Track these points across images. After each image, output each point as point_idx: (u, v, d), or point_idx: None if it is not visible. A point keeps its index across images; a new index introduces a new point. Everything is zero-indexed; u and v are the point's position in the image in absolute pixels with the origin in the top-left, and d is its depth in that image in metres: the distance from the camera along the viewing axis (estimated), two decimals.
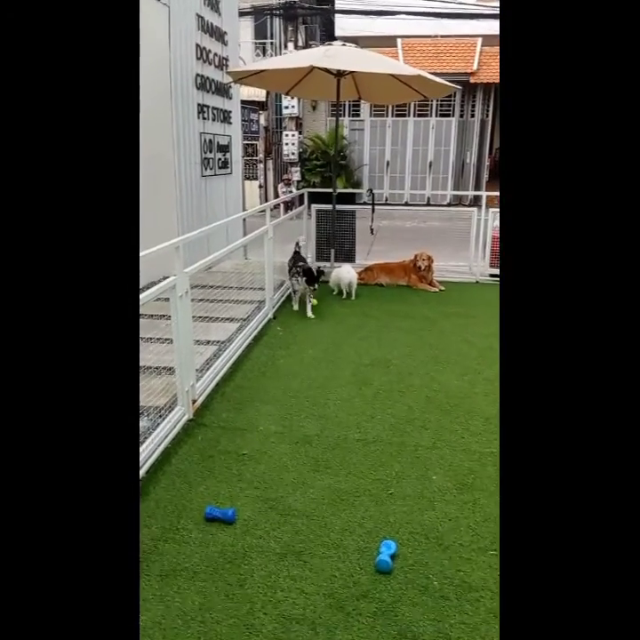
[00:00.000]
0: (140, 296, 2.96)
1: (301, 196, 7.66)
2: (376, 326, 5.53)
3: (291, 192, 14.71)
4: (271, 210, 5.77)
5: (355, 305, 6.26)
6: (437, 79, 6.57)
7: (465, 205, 14.57)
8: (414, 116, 16.39)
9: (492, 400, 3.92)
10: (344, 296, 6.63)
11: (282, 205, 10.79)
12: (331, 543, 2.55)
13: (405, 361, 4.66)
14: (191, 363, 3.61)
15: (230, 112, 9.09)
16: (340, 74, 6.84)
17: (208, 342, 4.65)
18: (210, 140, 8.23)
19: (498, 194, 7.67)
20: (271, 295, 5.73)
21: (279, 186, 15.68)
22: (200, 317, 4.93)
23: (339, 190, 7.39)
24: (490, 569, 2.37)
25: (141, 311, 2.86)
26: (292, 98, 15.61)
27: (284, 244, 6.47)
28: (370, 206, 7.54)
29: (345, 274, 6.64)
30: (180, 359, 3.43)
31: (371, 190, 7.63)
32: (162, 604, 2.22)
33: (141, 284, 6.69)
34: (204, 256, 4.03)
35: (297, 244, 6.44)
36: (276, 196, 15.52)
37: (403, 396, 4.01)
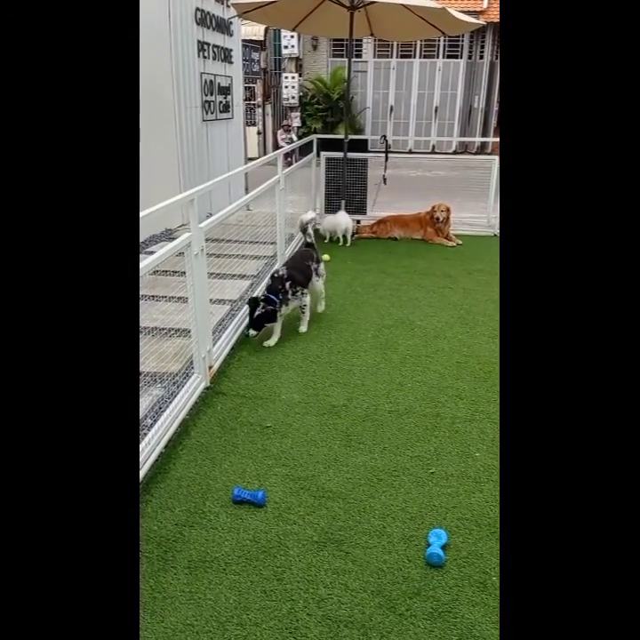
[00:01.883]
0: (154, 256, 2.63)
1: (310, 142, 7.17)
2: (395, 284, 5.22)
3: (291, 139, 14.07)
4: (282, 158, 5.35)
5: (370, 261, 5.93)
6: (462, 15, 6.03)
7: (471, 153, 14.03)
8: (420, 57, 15.56)
9: None
10: (341, 243, 6.57)
11: (278, 158, 10.18)
12: (372, 531, 2.33)
13: (430, 322, 4.38)
14: (208, 326, 3.31)
15: (231, 51, 8.46)
16: (353, 6, 6.28)
17: (219, 301, 4.35)
18: (210, 82, 7.67)
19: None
20: (283, 250, 5.38)
21: (278, 132, 14.98)
22: (209, 274, 4.61)
23: (351, 136, 6.91)
24: None
25: (150, 268, 2.55)
26: (293, 36, 14.75)
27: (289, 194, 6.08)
28: (381, 154, 7.09)
29: (341, 220, 6.52)
30: (197, 322, 3.13)
31: (384, 136, 7.15)
32: (192, 602, 2.00)
33: (143, 238, 6.33)
34: (205, 209, 3.68)
35: (304, 228, 4.52)
36: (276, 143, 14.85)
37: (431, 362, 3.75)
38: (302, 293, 4.11)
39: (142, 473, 2.50)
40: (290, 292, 3.99)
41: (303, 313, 4.21)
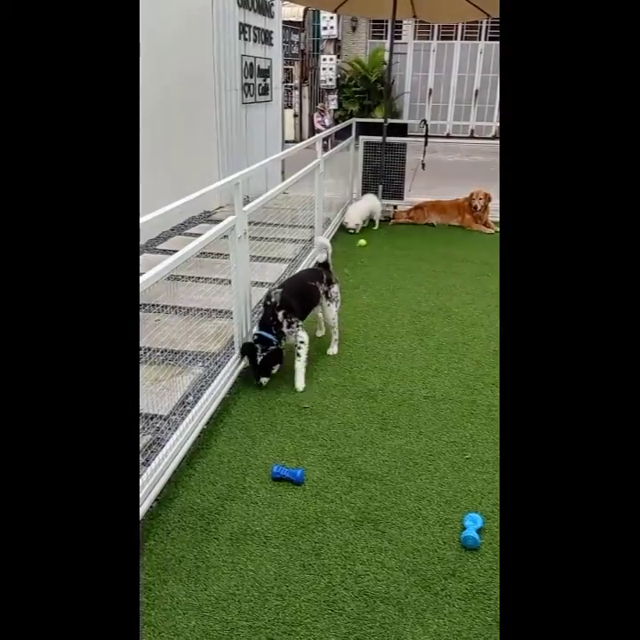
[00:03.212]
0: (200, 238, 2.70)
1: (349, 126, 7.14)
2: (431, 270, 5.20)
3: (324, 122, 13.99)
4: (322, 142, 5.36)
5: (407, 247, 5.91)
6: None
7: None
8: (462, 39, 15.22)
9: None
10: (375, 227, 6.56)
11: (317, 142, 10.12)
12: (408, 512, 2.37)
13: (467, 309, 4.37)
14: (248, 307, 3.37)
15: (271, 32, 8.44)
16: None
17: (258, 284, 4.41)
18: (251, 64, 7.68)
19: None
20: (320, 234, 5.41)
21: (314, 115, 14.91)
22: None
23: (390, 120, 6.86)
24: None
25: (196, 250, 2.61)
26: (332, 18, 14.59)
27: (327, 178, 6.08)
28: (420, 139, 7.03)
29: (369, 204, 6.54)
30: (239, 304, 3.20)
31: (424, 121, 7.08)
32: (235, 572, 2.08)
33: (182, 220, 6.43)
34: (243, 192, 3.68)
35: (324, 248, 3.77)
36: (311, 126, 14.79)
37: (468, 350, 3.75)
38: (297, 326, 3.24)
39: (185, 448, 2.59)
40: (284, 323, 3.19)
41: (298, 356, 3.24)
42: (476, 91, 15.48)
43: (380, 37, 15.11)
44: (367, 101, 14.68)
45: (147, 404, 2.89)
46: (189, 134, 6.52)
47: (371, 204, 6.54)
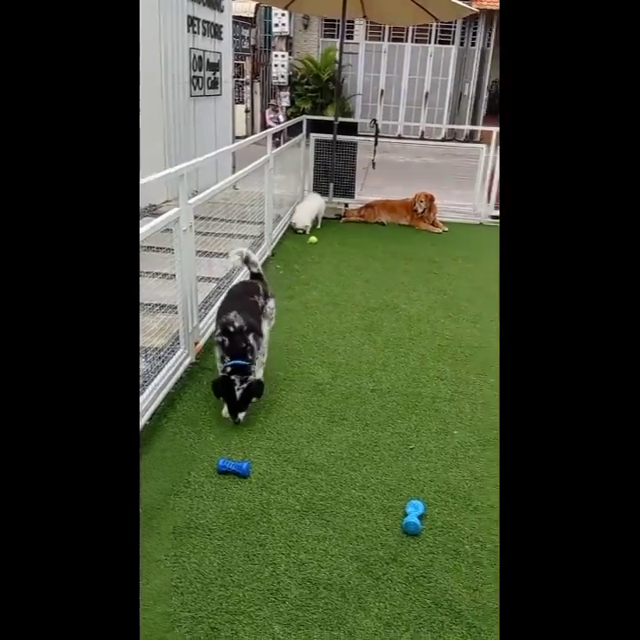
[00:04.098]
0: (142, 229, 2.66)
1: (300, 123, 7.16)
2: (380, 268, 5.28)
3: (278, 119, 13.96)
4: (272, 138, 5.35)
5: (357, 245, 5.98)
6: (456, 0, 6.04)
7: (459, 141, 14.07)
8: (412, 41, 15.47)
9: None
10: (319, 226, 6.51)
11: (268, 137, 10.04)
12: (353, 501, 2.42)
13: (414, 306, 4.46)
14: (194, 302, 3.35)
15: (221, 26, 8.37)
16: None
17: (206, 279, 4.37)
18: (199, 57, 7.59)
19: (492, 129, 7.25)
20: (270, 230, 5.41)
21: (267, 111, 14.85)
22: (196, 252, 4.62)
23: (341, 119, 6.92)
24: None
25: (145, 243, 2.57)
26: (283, 14, 14.56)
27: (277, 174, 6.08)
28: (371, 138, 7.11)
29: (316, 203, 6.51)
30: (184, 298, 3.17)
31: (374, 120, 7.16)
32: (177, 565, 2.07)
33: None
34: (192, 186, 3.64)
35: (246, 259, 3.40)
36: (263, 122, 14.73)
37: (414, 344, 3.83)
38: (263, 346, 3.06)
39: None
40: (255, 346, 2.92)
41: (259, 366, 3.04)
42: (426, 93, 15.77)
43: (332, 36, 15.18)
44: (319, 100, 14.74)
45: None
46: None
47: (317, 203, 6.54)
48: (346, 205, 7.21)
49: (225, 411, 2.88)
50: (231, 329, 2.89)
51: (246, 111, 15.06)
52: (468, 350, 3.77)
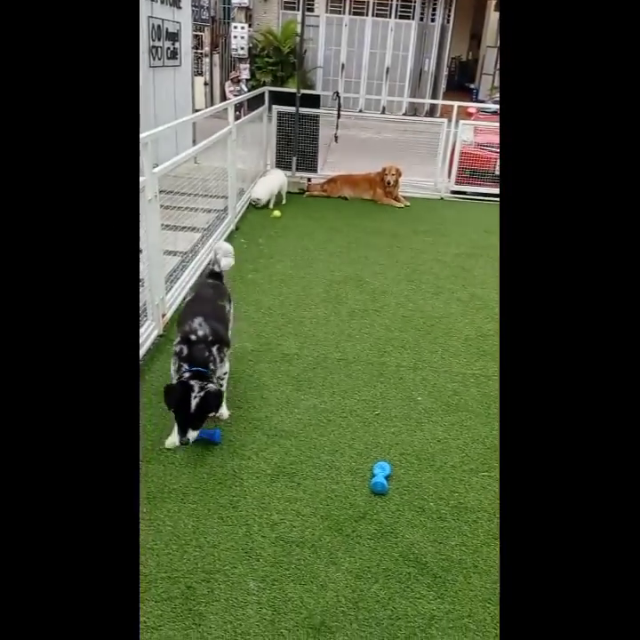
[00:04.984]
0: None
1: (261, 94, 7.06)
2: (345, 242, 5.33)
3: (239, 91, 13.70)
4: (234, 110, 5.28)
5: (321, 219, 6.00)
6: None
7: (420, 116, 14.13)
8: (373, 15, 15.35)
9: (469, 321, 3.90)
10: (283, 201, 6.46)
11: (229, 108, 9.85)
12: (322, 464, 2.49)
13: (378, 279, 4.54)
14: (161, 274, 3.33)
15: None
16: None
17: (171, 253, 4.34)
18: (158, 26, 7.38)
19: (453, 103, 7.34)
20: (234, 204, 5.38)
21: (226, 84, 14.53)
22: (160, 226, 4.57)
23: (303, 91, 6.86)
24: (483, 491, 2.39)
25: None
26: None
27: (239, 149, 6.02)
28: (333, 113, 7.09)
29: (277, 179, 6.42)
30: (150, 270, 3.15)
31: (337, 93, 7.14)
32: (152, 528, 2.11)
33: None
34: (152, 158, 3.56)
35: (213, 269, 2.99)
36: (223, 95, 14.43)
37: (379, 316, 3.92)
38: (226, 356, 2.65)
39: None
40: (218, 359, 2.53)
41: (221, 385, 2.63)
42: (387, 68, 15.72)
43: (293, 8, 14.91)
44: (280, 73, 14.52)
45: None
46: None
47: (278, 179, 6.47)
48: (309, 180, 7.20)
49: (170, 440, 2.50)
50: (193, 338, 2.47)
51: (205, 84, 14.73)
52: (430, 320, 3.88)
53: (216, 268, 2.97)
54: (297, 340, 3.52)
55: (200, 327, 2.51)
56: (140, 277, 3.26)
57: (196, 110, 9.63)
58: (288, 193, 6.58)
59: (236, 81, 14.14)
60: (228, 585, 1.91)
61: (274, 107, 6.97)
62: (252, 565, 1.99)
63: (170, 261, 4.20)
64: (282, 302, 4.00)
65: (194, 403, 2.30)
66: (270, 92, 7.15)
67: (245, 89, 13.16)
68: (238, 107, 10.50)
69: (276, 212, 6.00)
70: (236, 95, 13.07)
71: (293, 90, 6.96)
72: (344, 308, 4.00)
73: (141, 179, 2.94)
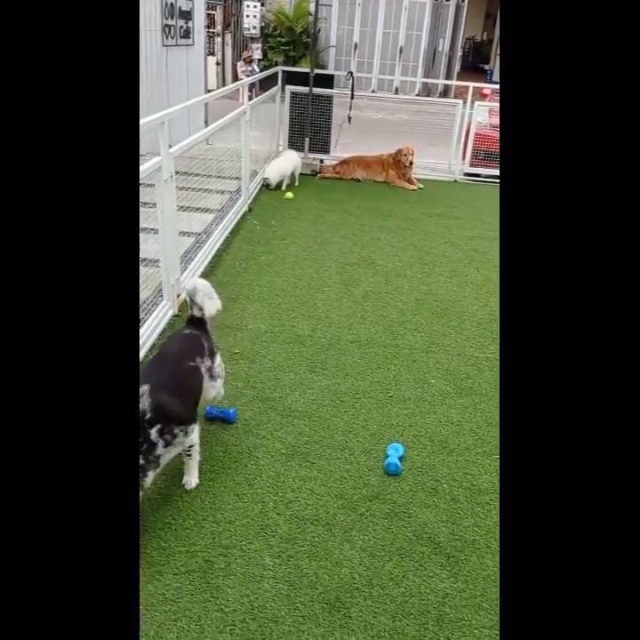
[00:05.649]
0: None
1: (274, 74, 7.00)
2: (357, 224, 5.31)
3: (251, 71, 13.57)
4: (248, 90, 5.25)
5: (333, 201, 5.98)
6: None
7: (433, 96, 13.94)
8: None
9: (482, 305, 3.89)
10: (296, 183, 6.42)
11: (242, 88, 9.75)
12: (336, 445, 2.52)
13: (391, 261, 4.53)
14: (176, 254, 3.34)
15: None
16: None
17: (185, 234, 4.35)
18: (171, 5, 7.30)
19: (468, 84, 7.25)
20: (247, 185, 5.36)
21: (239, 64, 14.39)
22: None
23: (317, 71, 6.79)
24: (496, 473, 2.41)
25: None
26: None
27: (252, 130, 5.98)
28: (346, 93, 7.02)
29: (291, 161, 6.37)
30: (166, 250, 3.17)
31: (351, 73, 7.05)
32: (169, 504, 2.15)
33: None
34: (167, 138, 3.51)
35: (192, 295, 2.37)
36: (235, 75, 14.30)
37: (392, 299, 3.92)
38: (185, 432, 2.06)
39: None
40: (160, 443, 1.94)
41: (189, 455, 2.19)
42: (401, 48, 15.49)
43: None
44: (292, 53, 14.37)
45: None
46: None
47: (292, 160, 6.42)
48: (321, 161, 7.15)
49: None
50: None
51: (217, 64, 14.59)
52: (443, 304, 3.87)
53: (196, 313, 2.35)
54: (310, 321, 3.53)
55: (141, 400, 1.93)
56: (156, 258, 3.28)
57: (209, 91, 9.57)
58: (301, 174, 6.54)
59: (249, 61, 14.00)
60: (244, 560, 1.95)
61: (287, 87, 6.91)
62: (268, 541, 2.02)
63: (184, 242, 4.21)
64: (295, 284, 4.01)
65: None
66: (283, 71, 7.09)
67: (257, 69, 13.03)
68: (250, 87, 10.44)
69: (289, 194, 5.98)
70: (248, 75, 12.96)
71: (307, 69, 6.89)
72: (357, 290, 4.00)
73: (157, 159, 2.94)
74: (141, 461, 1.89)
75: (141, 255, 3.82)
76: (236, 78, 14.27)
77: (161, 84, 7.18)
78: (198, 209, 4.92)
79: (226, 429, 2.55)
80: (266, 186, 6.13)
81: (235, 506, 2.16)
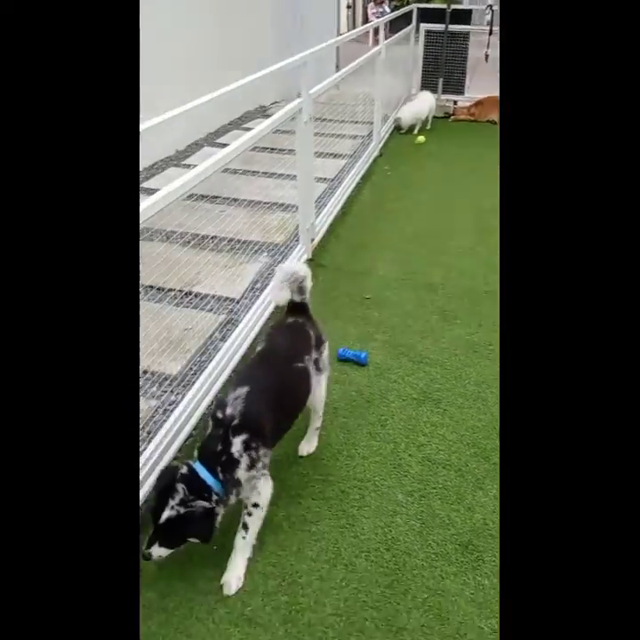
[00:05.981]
0: (264, 123, 2.67)
1: (406, 14, 6.68)
2: (493, 169, 5.01)
3: (381, 13, 13.05)
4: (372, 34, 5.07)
5: (467, 145, 5.70)
6: None
7: None
8: None
9: None
10: (428, 126, 6.22)
11: (371, 32, 9.44)
12: (468, 394, 2.49)
13: None
14: (312, 199, 3.39)
15: None
16: None
17: (318, 179, 4.39)
18: None
19: None
20: (379, 129, 5.26)
21: (369, 6, 13.89)
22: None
23: (453, 6, 6.38)
24: None
25: (259, 143, 2.58)
26: None
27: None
28: (485, 29, 6.54)
29: (427, 103, 6.17)
30: (302, 195, 3.22)
31: (490, 6, 6.54)
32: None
33: (238, 114, 6.31)
34: (296, 85, 3.46)
35: (300, 284, 2.07)
36: (366, 17, 13.86)
37: None
38: (264, 468, 1.75)
39: (257, 328, 2.73)
40: (243, 462, 1.69)
41: (245, 527, 1.77)
42: None
43: None
44: None
45: (220, 287, 3.03)
46: (239, 14, 6.19)
47: (428, 102, 6.18)
48: (455, 103, 6.81)
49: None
50: (219, 416, 1.72)
51: (348, 7, 14.22)
52: None
53: (296, 298, 2.06)
54: (442, 269, 3.46)
55: (233, 404, 1.72)
56: (290, 204, 3.36)
57: (340, 34, 9.39)
58: (433, 117, 6.29)
59: (379, 2, 13.46)
60: (377, 494, 2.02)
61: (421, 25, 6.58)
62: (401, 480, 2.07)
63: (317, 187, 4.25)
64: (426, 231, 3.92)
65: (165, 515, 1.60)
66: (418, 9, 6.74)
67: (388, 10, 12.51)
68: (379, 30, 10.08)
69: (421, 138, 5.79)
70: (378, 17, 12.50)
71: (443, 5, 6.50)
72: (492, 238, 3.83)
73: (297, 101, 2.96)
74: (217, 480, 1.65)
75: (278, 201, 3.95)
76: (366, 21, 13.83)
77: (294, 26, 7.15)
78: (330, 155, 4.93)
79: (358, 371, 2.61)
80: (397, 129, 5.98)
81: (368, 443, 2.23)
